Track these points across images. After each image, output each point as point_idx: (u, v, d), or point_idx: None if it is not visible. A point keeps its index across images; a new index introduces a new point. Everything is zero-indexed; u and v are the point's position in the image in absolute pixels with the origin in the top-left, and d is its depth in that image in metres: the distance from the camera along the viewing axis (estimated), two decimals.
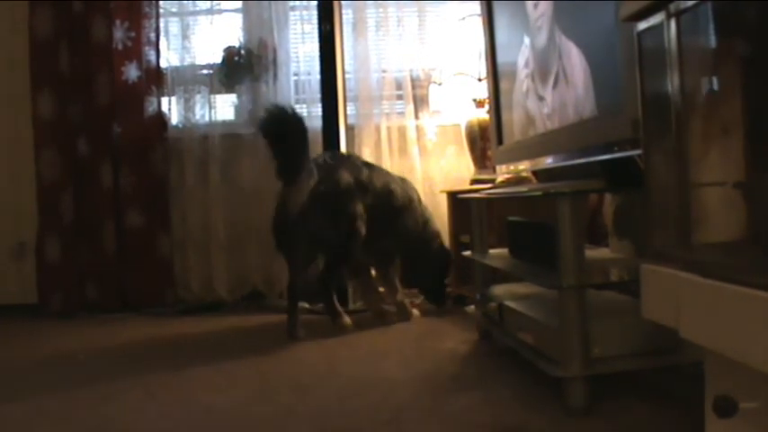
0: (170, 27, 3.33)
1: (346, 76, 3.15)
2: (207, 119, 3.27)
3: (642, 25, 1.08)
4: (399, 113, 3.25)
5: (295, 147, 2.34)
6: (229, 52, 3.24)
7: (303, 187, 2.34)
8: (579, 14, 1.63)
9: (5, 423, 1.59)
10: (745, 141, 0.91)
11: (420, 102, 3.23)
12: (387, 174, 2.70)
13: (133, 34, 3.17)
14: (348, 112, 3.13)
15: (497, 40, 2.28)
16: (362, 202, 2.47)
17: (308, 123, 3.13)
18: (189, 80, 3.27)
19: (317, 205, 2.36)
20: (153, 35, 3.20)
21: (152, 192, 3.18)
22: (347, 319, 2.43)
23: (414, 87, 3.23)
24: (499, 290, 2.11)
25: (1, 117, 3.24)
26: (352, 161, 2.61)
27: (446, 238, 3.06)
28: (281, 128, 2.34)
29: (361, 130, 3.20)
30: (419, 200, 2.75)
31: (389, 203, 2.58)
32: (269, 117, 2.36)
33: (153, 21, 3.20)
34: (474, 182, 2.96)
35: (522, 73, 2.03)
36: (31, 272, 3.15)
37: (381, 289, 2.74)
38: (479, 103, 2.96)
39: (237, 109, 3.30)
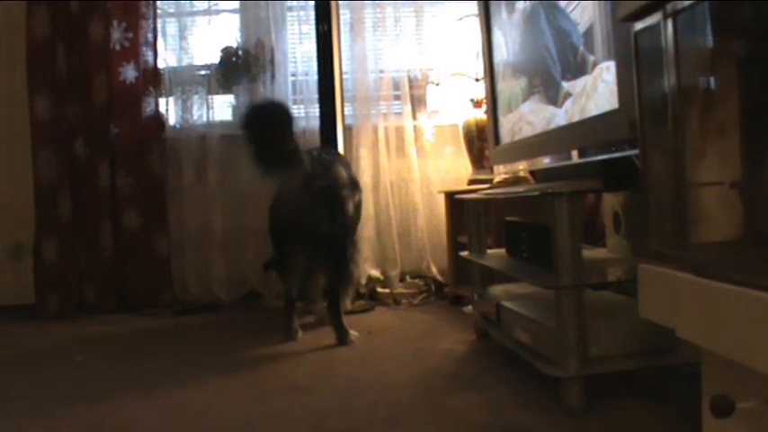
0: (167, 27, 3.33)
1: (344, 76, 3.15)
2: (204, 119, 3.27)
3: (639, 25, 1.08)
4: (397, 114, 3.25)
5: (281, 135, 2.21)
6: (227, 53, 3.24)
7: (297, 174, 2.22)
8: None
9: (4, 423, 1.59)
10: (741, 141, 0.91)
11: (417, 102, 3.23)
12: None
13: (131, 35, 3.16)
14: (345, 113, 3.14)
15: (494, 39, 2.28)
16: (353, 202, 2.42)
17: (305, 123, 3.19)
18: (186, 81, 3.27)
19: (317, 201, 2.26)
20: (150, 35, 3.20)
21: (150, 192, 3.17)
22: (354, 336, 2.31)
23: (411, 87, 3.24)
24: (497, 290, 2.11)
25: None
26: (342, 158, 2.59)
27: (443, 239, 3.07)
28: (263, 121, 2.21)
29: (359, 130, 3.20)
30: None
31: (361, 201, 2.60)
32: (252, 114, 2.24)
33: (150, 21, 3.20)
34: (471, 182, 2.96)
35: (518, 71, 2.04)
36: (29, 272, 3.15)
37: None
38: (477, 104, 2.96)
39: (235, 109, 3.30)
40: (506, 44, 2.17)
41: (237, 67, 3.22)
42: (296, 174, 2.22)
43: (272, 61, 3.19)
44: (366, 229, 3.12)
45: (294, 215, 2.30)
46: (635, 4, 1.04)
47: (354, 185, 2.48)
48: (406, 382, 1.77)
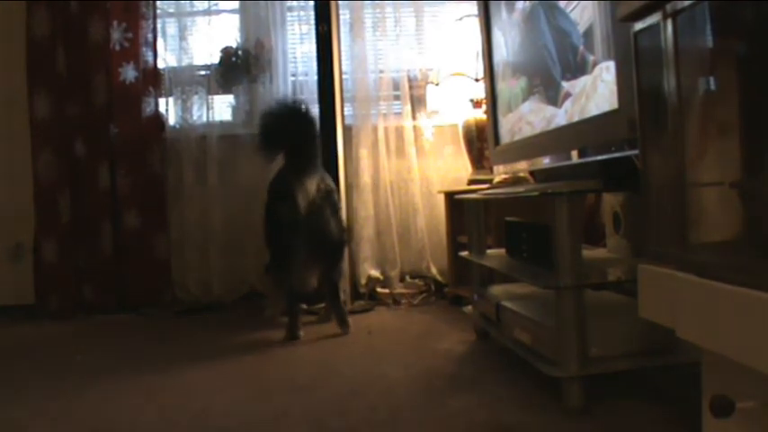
0: (167, 28, 3.33)
1: (343, 76, 3.15)
2: (204, 119, 3.27)
3: (639, 25, 1.08)
4: (397, 114, 3.25)
5: (309, 142, 2.42)
6: (226, 53, 3.24)
7: (312, 184, 2.36)
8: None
9: (4, 423, 1.59)
10: (741, 141, 0.91)
11: (417, 102, 3.23)
12: None
13: (130, 35, 3.16)
14: (345, 113, 3.13)
15: (494, 39, 2.28)
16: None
17: None
18: (186, 81, 3.27)
19: (324, 203, 2.38)
20: (150, 36, 3.20)
21: (149, 192, 3.18)
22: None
23: (411, 88, 3.23)
24: (497, 290, 2.11)
25: None
26: None
27: (443, 239, 3.07)
28: (293, 123, 2.42)
29: (359, 130, 3.20)
30: None
31: None
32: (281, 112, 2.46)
33: (150, 21, 3.20)
34: (471, 182, 2.96)
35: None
36: (29, 272, 3.15)
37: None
38: (476, 104, 2.96)
39: (235, 109, 3.30)
40: (506, 44, 2.17)
41: (237, 68, 3.22)
42: (312, 177, 2.38)
43: (271, 61, 3.20)
44: (366, 229, 3.12)
45: (306, 214, 2.33)
46: (635, 4, 1.04)
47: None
48: (406, 382, 1.78)
